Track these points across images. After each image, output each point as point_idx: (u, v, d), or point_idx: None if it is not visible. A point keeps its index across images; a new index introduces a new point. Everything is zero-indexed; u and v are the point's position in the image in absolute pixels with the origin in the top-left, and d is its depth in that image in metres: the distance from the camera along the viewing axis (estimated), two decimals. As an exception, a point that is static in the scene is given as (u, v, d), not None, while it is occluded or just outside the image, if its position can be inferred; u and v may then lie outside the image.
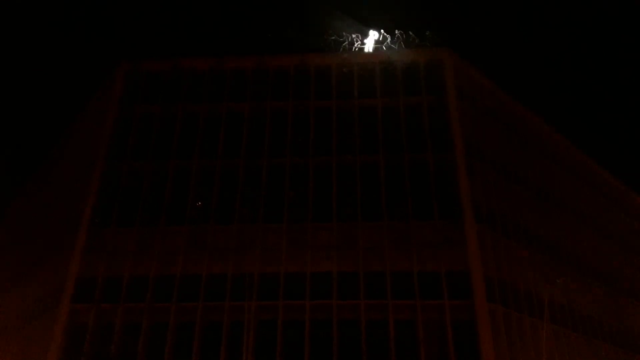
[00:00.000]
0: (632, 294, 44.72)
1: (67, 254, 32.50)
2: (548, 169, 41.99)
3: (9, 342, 38.54)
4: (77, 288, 30.37)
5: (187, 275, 30.33)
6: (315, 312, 28.93)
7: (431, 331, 28.61)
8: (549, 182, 41.26)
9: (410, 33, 36.97)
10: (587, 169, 47.37)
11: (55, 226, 37.91)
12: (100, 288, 30.30)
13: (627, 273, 45.63)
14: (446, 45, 37.48)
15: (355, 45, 37.25)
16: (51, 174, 45.60)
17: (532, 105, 44.12)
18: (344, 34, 37.47)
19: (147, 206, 32.55)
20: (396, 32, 37.20)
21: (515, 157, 38.69)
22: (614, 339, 39.85)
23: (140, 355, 28.56)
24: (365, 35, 37.98)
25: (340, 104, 35.21)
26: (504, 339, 29.51)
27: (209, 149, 34.31)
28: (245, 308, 27.72)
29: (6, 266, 47.29)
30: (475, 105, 37.44)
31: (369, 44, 37.67)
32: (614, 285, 42.80)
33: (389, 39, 37.10)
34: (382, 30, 37.66)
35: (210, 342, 28.60)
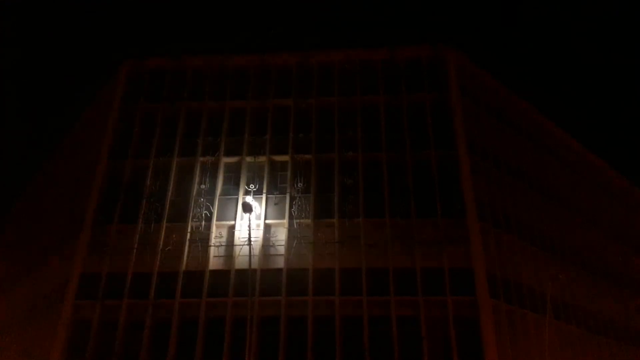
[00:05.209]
0: (636, 290, 44.65)
1: (70, 250, 32.67)
2: (551, 166, 41.95)
3: (13, 338, 38.76)
4: (81, 284, 30.49)
5: (190, 271, 30.41)
6: (318, 308, 29.01)
7: (434, 327, 28.61)
8: (553, 179, 41.23)
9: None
10: (590, 166, 47.30)
11: (59, 223, 38.08)
12: (104, 284, 30.43)
13: (630, 269, 45.57)
14: (448, 42, 37.49)
15: None
16: (55, 172, 45.81)
17: (536, 103, 44.08)
18: None
19: (150, 203, 32.59)
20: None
21: (518, 155, 38.66)
22: (618, 334, 39.82)
23: (144, 351, 28.67)
24: None
25: (343, 101, 35.24)
26: (507, 335, 29.54)
27: (212, 146, 34.35)
28: (248, 304, 27.72)
29: (11, 263, 47.57)
30: (478, 103, 37.41)
31: None
32: (618, 281, 42.76)
33: None
34: None
35: (214, 337, 28.68)
